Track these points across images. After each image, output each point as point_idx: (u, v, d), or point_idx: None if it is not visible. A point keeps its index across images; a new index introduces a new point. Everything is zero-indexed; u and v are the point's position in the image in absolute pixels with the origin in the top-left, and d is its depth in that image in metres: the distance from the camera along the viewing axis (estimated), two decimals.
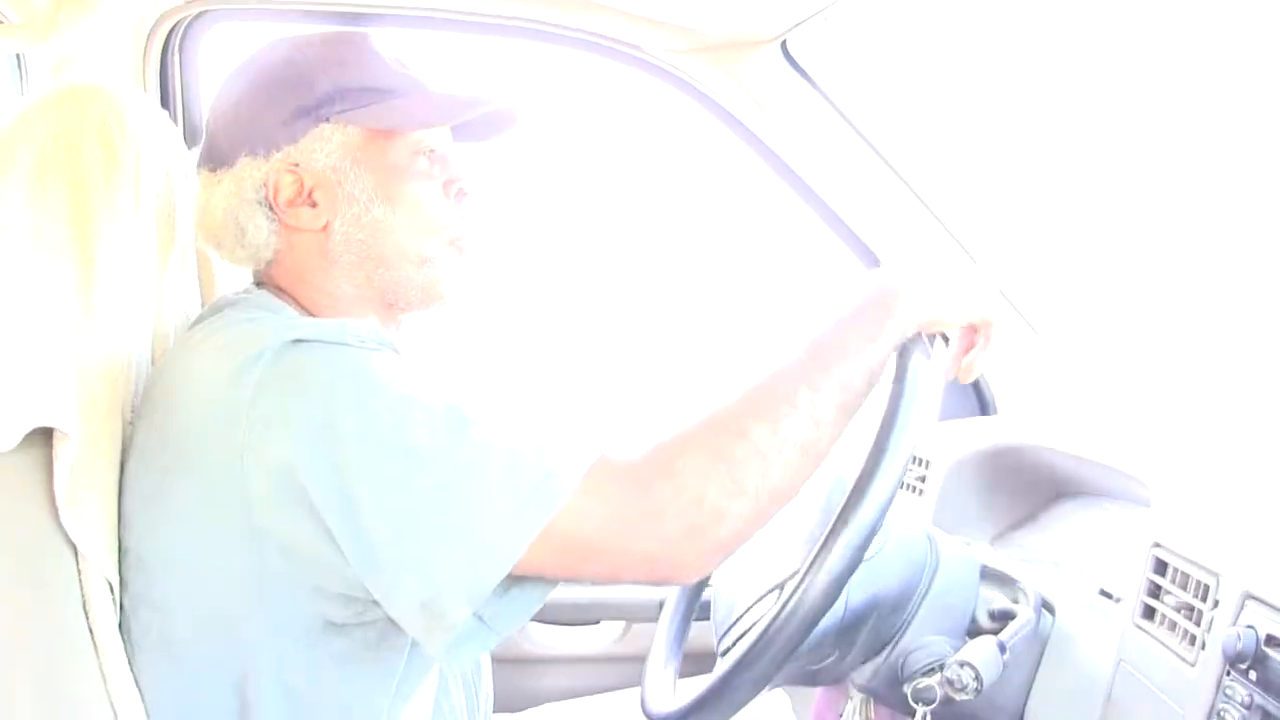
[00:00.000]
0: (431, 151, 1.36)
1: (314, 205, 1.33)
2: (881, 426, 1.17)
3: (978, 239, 2.10)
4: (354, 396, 1.10)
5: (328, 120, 1.32)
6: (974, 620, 1.47)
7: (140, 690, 1.21)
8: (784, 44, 1.93)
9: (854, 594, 1.39)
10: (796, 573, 1.17)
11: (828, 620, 1.34)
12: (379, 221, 1.32)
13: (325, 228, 1.33)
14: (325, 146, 1.32)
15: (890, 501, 1.15)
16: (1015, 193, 2.21)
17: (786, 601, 1.15)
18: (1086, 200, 2.36)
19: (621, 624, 2.30)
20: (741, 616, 1.44)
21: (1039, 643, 1.49)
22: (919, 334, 1.22)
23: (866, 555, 1.16)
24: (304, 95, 1.32)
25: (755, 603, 1.43)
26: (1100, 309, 2.25)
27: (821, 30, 1.86)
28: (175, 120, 1.97)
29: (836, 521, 1.15)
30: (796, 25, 1.84)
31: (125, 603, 1.22)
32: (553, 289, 3.88)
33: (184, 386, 1.20)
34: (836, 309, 1.21)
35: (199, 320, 1.34)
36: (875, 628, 1.43)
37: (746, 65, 1.96)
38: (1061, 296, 2.18)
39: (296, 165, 1.32)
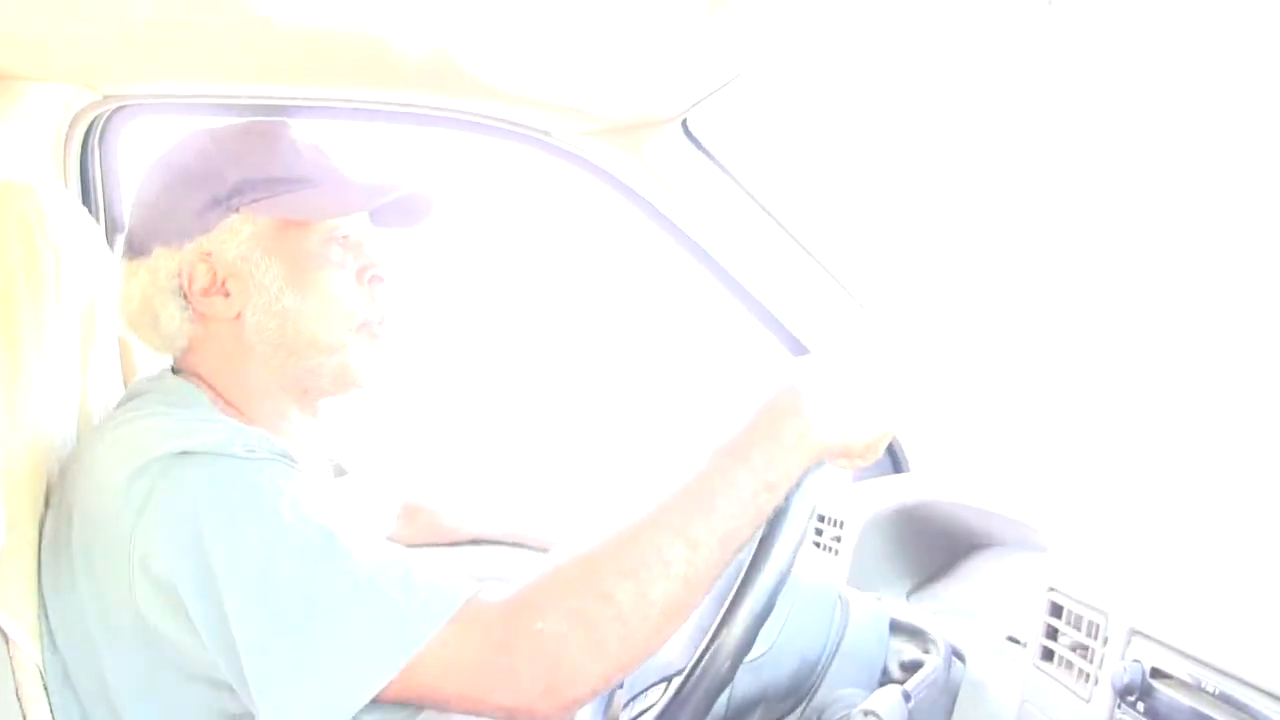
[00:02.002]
0: (345, 238, 1.39)
1: (227, 295, 1.35)
2: (763, 540, 1.19)
3: (880, 303, 2.16)
4: (229, 520, 1.12)
5: (237, 211, 1.35)
6: (886, 671, 1.50)
7: None
8: (684, 122, 1.99)
9: (739, 688, 1.43)
10: (682, 671, 1.22)
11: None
12: (289, 310, 1.35)
13: (238, 317, 1.35)
14: (236, 237, 1.35)
15: (768, 610, 1.19)
16: (918, 255, 2.27)
17: (671, 701, 1.22)
18: (992, 261, 2.42)
19: None
20: (631, 700, 1.48)
21: (951, 690, 1.52)
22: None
23: (750, 658, 1.20)
24: (215, 186, 1.35)
25: (644, 690, 1.47)
26: (996, 366, 2.31)
27: (721, 107, 1.92)
28: (96, 213, 1.98)
29: (719, 625, 1.19)
30: (696, 104, 1.89)
31: (50, 686, 1.23)
32: (470, 371, 3.89)
33: (88, 480, 1.22)
34: (730, 439, 1.16)
35: (118, 405, 1.37)
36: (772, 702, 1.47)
37: (649, 145, 2.01)
38: (961, 354, 2.24)
39: (209, 255, 1.35)
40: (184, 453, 1.16)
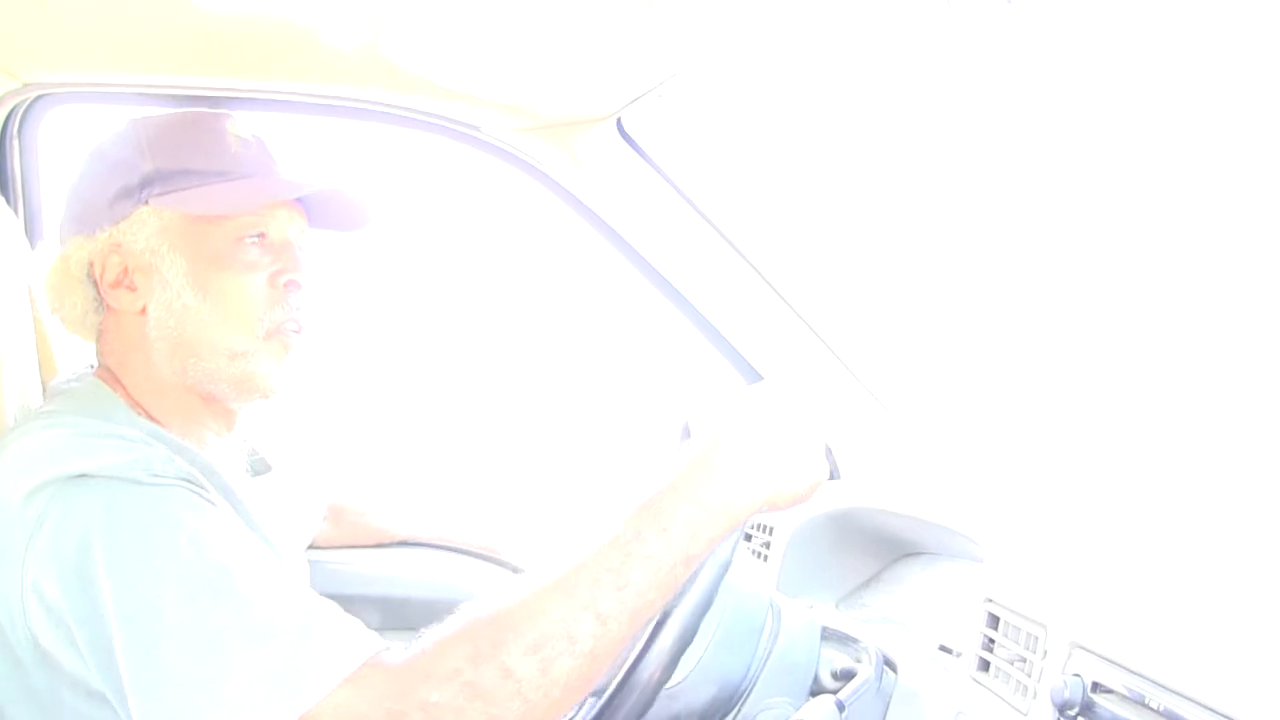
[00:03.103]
0: (261, 236, 1.34)
1: (133, 289, 1.31)
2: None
3: (815, 309, 2.15)
4: (121, 554, 1.07)
5: (147, 203, 1.31)
6: (817, 680, 1.49)
7: None
8: (619, 121, 1.97)
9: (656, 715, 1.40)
10: (601, 690, 1.21)
11: None
12: (189, 309, 1.30)
13: (143, 311, 1.32)
14: (144, 230, 1.31)
15: (687, 642, 1.18)
16: (853, 262, 2.26)
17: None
18: (920, 270, 2.42)
19: None
20: None
21: (883, 700, 1.51)
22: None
23: (669, 685, 1.18)
24: (128, 176, 1.32)
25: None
26: (932, 377, 2.31)
27: (656, 106, 1.90)
28: (14, 203, 1.93)
29: (636, 657, 1.19)
30: (631, 102, 1.87)
31: None
32: (401, 371, 3.87)
33: None
34: (652, 499, 1.11)
35: (38, 406, 1.33)
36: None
37: (583, 143, 1.99)
38: (895, 365, 2.24)
39: (119, 246, 1.31)
40: (82, 475, 1.12)
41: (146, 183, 1.31)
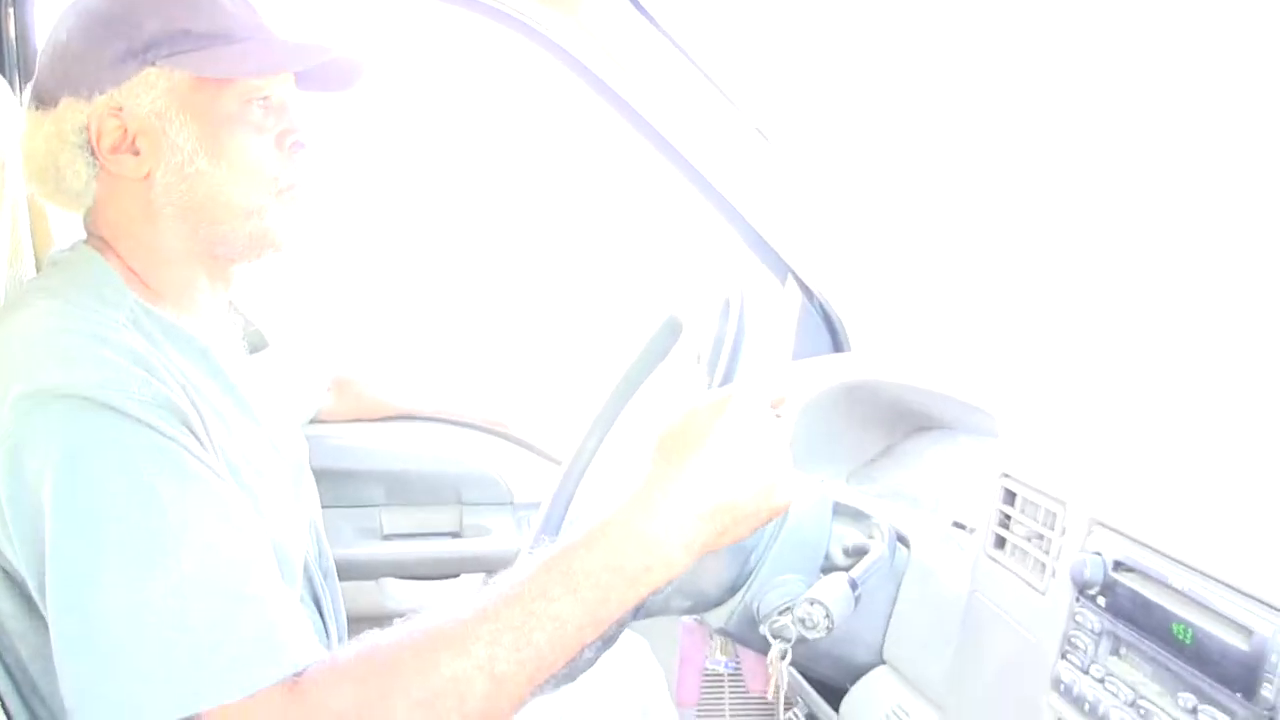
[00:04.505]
0: (266, 99, 1.31)
1: (136, 153, 1.27)
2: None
3: (829, 180, 2.11)
4: (70, 499, 1.05)
5: (154, 64, 1.26)
6: (828, 557, 1.47)
7: (9, 651, 1.16)
8: None
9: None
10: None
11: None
12: (202, 174, 1.27)
13: (147, 177, 1.28)
14: (150, 92, 1.26)
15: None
16: (870, 133, 2.22)
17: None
18: (934, 140, 2.38)
19: (481, 577, 2.28)
20: None
21: (895, 576, 1.51)
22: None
23: None
24: (131, 36, 1.26)
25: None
26: (944, 246, 2.27)
27: None
28: (9, 73, 1.90)
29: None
30: None
31: None
32: (406, 244, 3.84)
33: None
34: (566, 553, 1.07)
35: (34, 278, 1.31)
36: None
37: (592, 10, 1.94)
38: (910, 234, 2.21)
39: (120, 110, 1.26)
40: (56, 393, 1.08)
41: (153, 44, 1.26)
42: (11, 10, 1.89)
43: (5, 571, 1.12)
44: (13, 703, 1.16)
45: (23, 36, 1.91)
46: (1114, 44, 1.82)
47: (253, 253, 1.34)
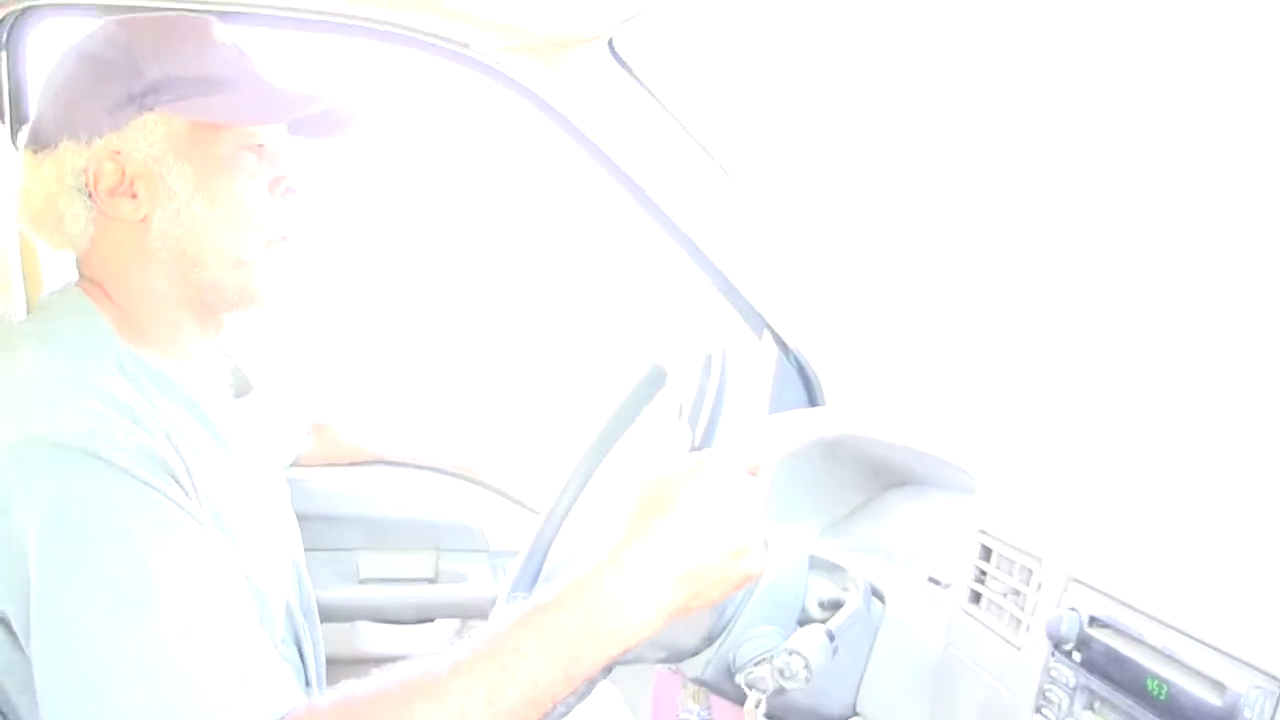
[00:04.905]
0: (260, 146, 1.33)
1: (134, 197, 1.28)
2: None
3: (805, 233, 2.13)
4: (53, 550, 1.06)
5: (153, 109, 1.28)
6: (804, 610, 1.48)
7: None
8: (610, 41, 1.93)
9: None
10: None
11: None
12: (197, 219, 1.28)
13: (144, 220, 1.29)
14: (149, 136, 1.28)
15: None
16: (846, 186, 2.24)
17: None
18: (909, 195, 2.40)
19: (456, 622, 2.28)
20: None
21: (870, 630, 1.51)
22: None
23: None
24: (132, 81, 1.28)
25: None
26: (921, 302, 2.29)
27: (649, 27, 1.86)
28: (2, 115, 1.90)
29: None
30: (623, 22, 1.84)
31: None
32: (386, 291, 3.85)
33: None
34: (540, 610, 1.08)
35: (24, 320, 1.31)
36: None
37: (573, 63, 1.95)
38: (887, 290, 2.22)
39: (118, 153, 1.27)
40: (41, 442, 1.09)
41: (153, 89, 1.28)
42: (4, 53, 1.90)
43: None
44: None
45: (14, 77, 1.92)
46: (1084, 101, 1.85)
47: (239, 304, 1.34)
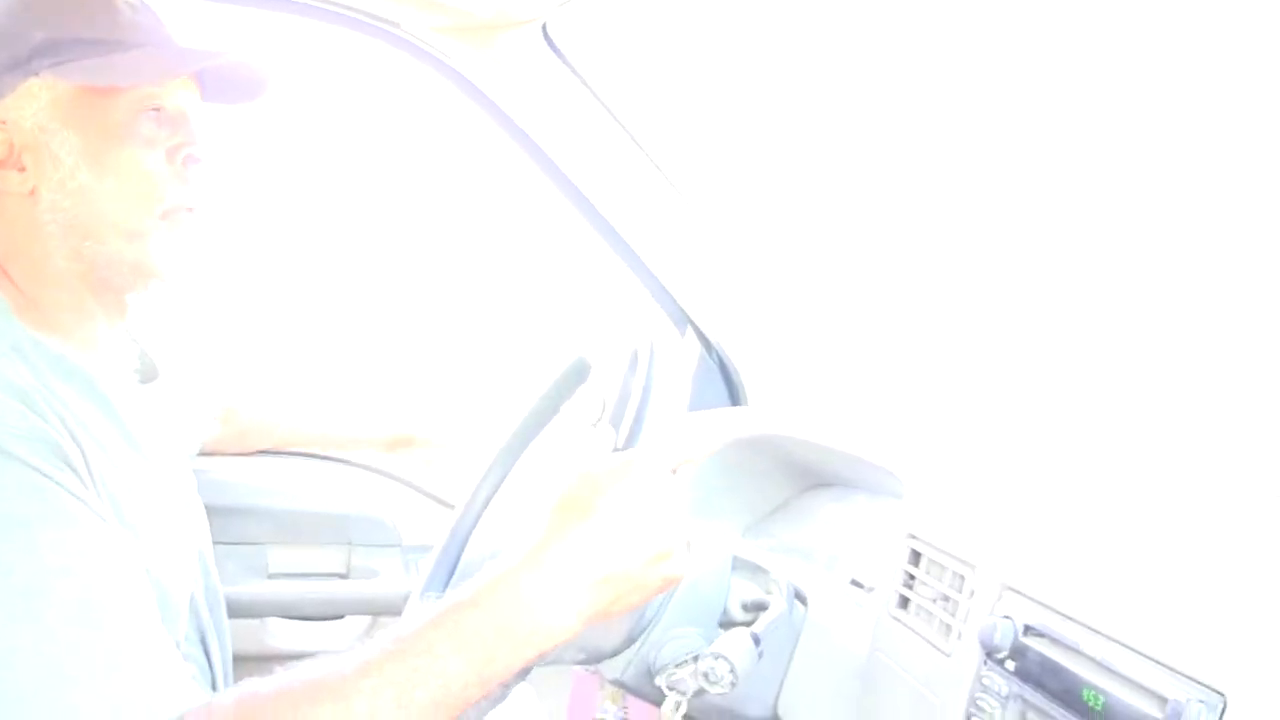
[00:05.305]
0: (159, 111, 1.26)
1: (22, 169, 1.22)
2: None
3: (733, 229, 2.11)
4: None
5: (37, 74, 1.22)
6: (726, 611, 1.46)
7: None
8: (545, 26, 1.90)
9: None
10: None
11: None
12: (85, 189, 1.22)
13: (33, 193, 1.22)
14: (33, 104, 1.22)
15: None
16: (775, 183, 2.23)
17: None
18: (836, 191, 2.40)
19: (367, 619, 2.24)
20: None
21: (792, 634, 1.50)
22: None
23: None
24: (16, 47, 1.22)
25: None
26: (852, 299, 2.29)
27: (584, 13, 1.84)
28: None
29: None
30: (559, 6, 1.81)
31: None
32: (297, 274, 3.79)
33: None
34: (454, 608, 1.04)
35: None
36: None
37: (505, 47, 1.92)
38: (813, 286, 2.22)
39: (4, 123, 1.21)
40: None
41: (36, 53, 1.21)
42: None
43: None
44: None
45: None
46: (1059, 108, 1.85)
47: (136, 280, 1.28)
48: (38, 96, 1.22)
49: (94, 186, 1.22)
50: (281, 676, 1.01)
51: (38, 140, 1.22)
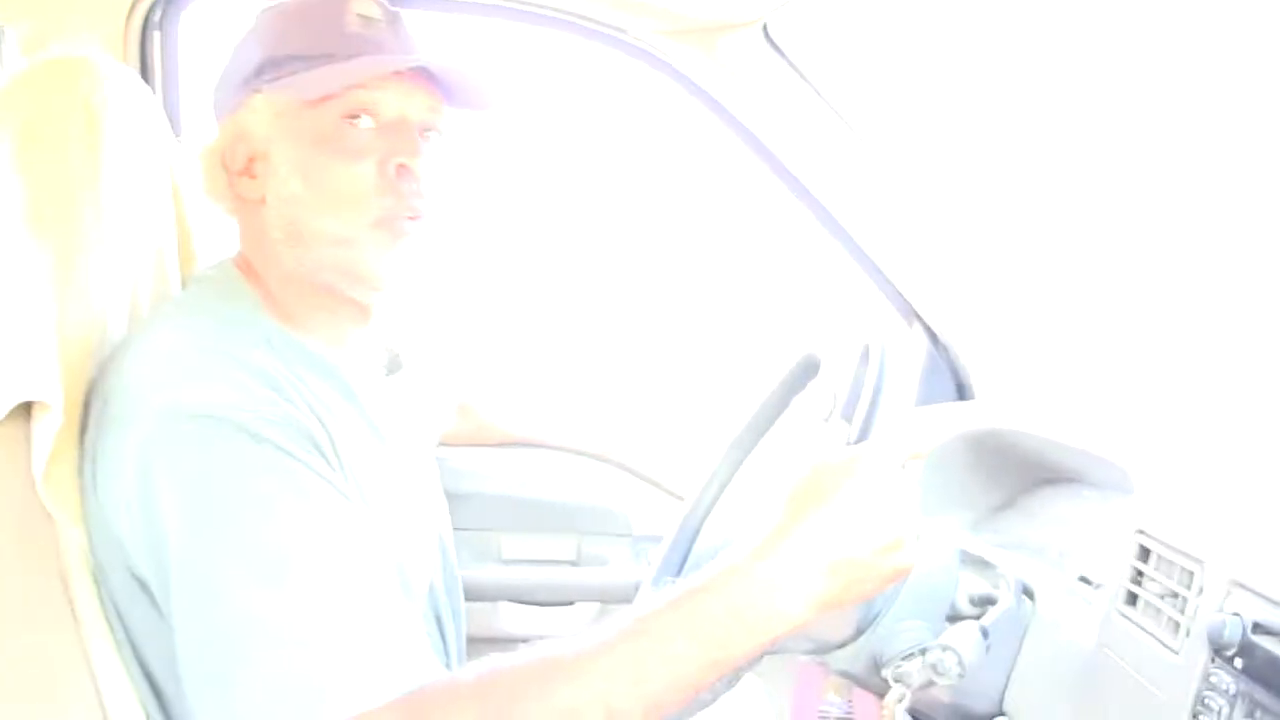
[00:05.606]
0: (371, 116, 1.31)
1: (254, 177, 1.32)
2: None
3: (959, 224, 2.10)
4: (196, 517, 1.09)
5: (259, 90, 1.31)
6: (954, 605, 1.46)
7: (141, 652, 1.19)
8: (765, 26, 1.92)
9: None
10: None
11: None
12: (298, 198, 1.30)
13: (262, 200, 1.32)
14: (259, 117, 1.32)
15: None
16: (1001, 182, 2.20)
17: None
18: (1071, 189, 2.36)
19: (596, 606, 2.29)
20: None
21: (1020, 629, 1.48)
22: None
23: None
24: (244, 65, 1.33)
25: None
26: (1082, 294, 2.24)
27: (804, 12, 1.85)
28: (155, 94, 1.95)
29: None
30: (779, 6, 1.82)
31: (96, 574, 1.19)
32: (530, 279, 3.87)
33: (118, 380, 1.19)
34: (689, 594, 1.07)
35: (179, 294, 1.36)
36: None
37: (727, 47, 1.95)
38: (1044, 281, 2.18)
39: (243, 135, 1.32)
40: (189, 411, 1.12)
41: (259, 71, 1.31)
42: (158, 33, 1.95)
43: (133, 574, 1.15)
44: (147, 699, 1.19)
45: (168, 56, 1.97)
46: None
47: (353, 286, 1.34)
48: (261, 111, 1.32)
49: (304, 195, 1.30)
50: (520, 653, 1.05)
51: (264, 151, 1.32)
